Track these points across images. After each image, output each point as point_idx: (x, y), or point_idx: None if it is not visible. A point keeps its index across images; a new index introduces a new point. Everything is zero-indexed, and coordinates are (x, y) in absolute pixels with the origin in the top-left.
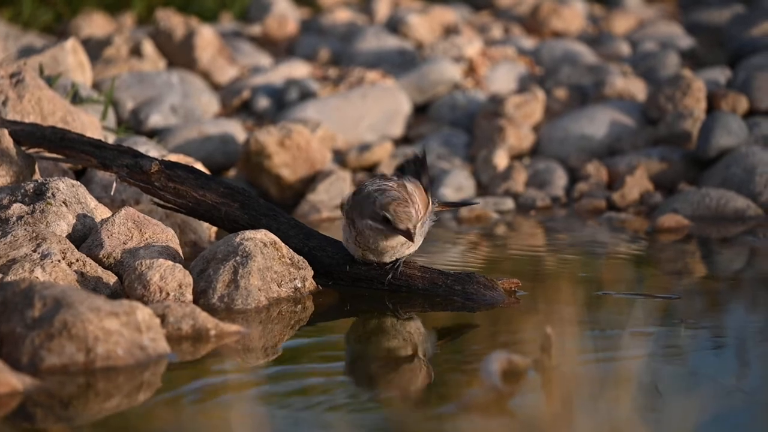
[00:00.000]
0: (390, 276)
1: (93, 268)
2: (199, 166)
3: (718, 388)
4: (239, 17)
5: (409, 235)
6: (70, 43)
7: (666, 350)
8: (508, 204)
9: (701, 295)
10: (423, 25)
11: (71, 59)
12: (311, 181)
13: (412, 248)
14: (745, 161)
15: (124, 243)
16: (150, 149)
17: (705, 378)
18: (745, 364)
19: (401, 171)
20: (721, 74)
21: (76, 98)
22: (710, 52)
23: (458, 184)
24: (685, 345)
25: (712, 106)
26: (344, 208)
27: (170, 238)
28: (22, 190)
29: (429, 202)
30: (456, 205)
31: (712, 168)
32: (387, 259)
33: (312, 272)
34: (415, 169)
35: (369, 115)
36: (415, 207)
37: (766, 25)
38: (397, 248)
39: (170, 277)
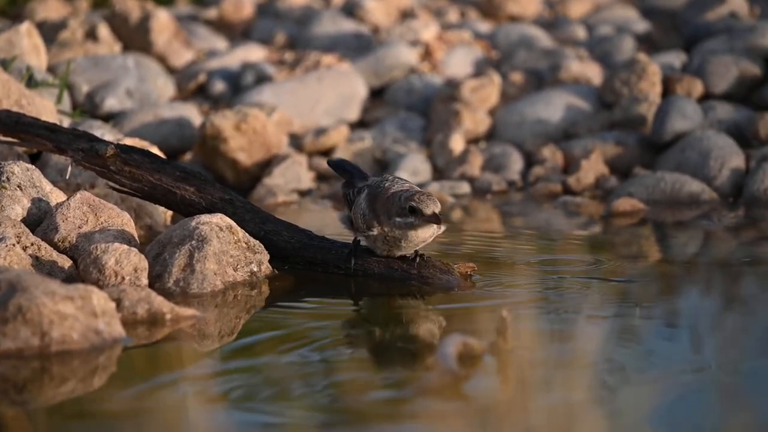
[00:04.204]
0: (416, 264)
1: (48, 252)
2: (155, 150)
3: (672, 370)
4: (195, 1)
5: (437, 219)
6: (25, 27)
7: (621, 333)
8: (464, 188)
9: (656, 278)
10: (379, 9)
11: (26, 43)
12: (267, 165)
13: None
14: (700, 145)
15: (79, 227)
16: (105, 133)
17: (659, 360)
18: (699, 347)
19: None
20: (676, 58)
21: (31, 82)
22: (665, 37)
23: (414, 168)
24: (640, 328)
25: (667, 90)
26: (358, 210)
27: (126, 222)
28: None
29: None
30: None
31: (667, 152)
32: (411, 251)
33: (268, 256)
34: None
35: (325, 99)
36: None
37: (721, 10)
38: (427, 240)
39: (126, 262)
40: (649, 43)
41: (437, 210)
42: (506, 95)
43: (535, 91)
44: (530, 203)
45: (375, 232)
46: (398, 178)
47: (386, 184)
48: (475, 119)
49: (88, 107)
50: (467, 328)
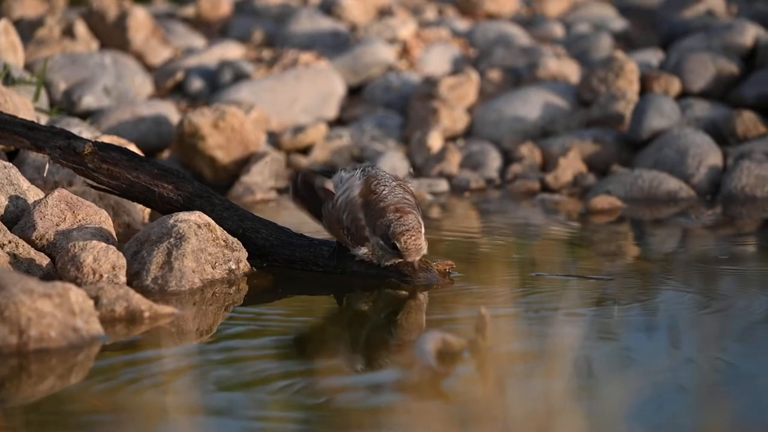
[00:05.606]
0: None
1: (26, 250)
2: (133, 148)
3: (650, 368)
4: None
5: (412, 268)
6: (2, 24)
7: (599, 331)
8: (443, 185)
9: (634, 276)
10: (357, 7)
11: (3, 40)
12: (245, 162)
13: None
14: (678, 143)
15: (57, 225)
16: (83, 131)
17: (637, 358)
18: (676, 345)
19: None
20: (653, 56)
21: (8, 79)
22: (643, 34)
23: (392, 165)
24: (618, 326)
25: (644, 88)
26: (342, 212)
27: (103, 219)
28: None
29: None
30: None
31: (644, 150)
32: None
33: (246, 254)
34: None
35: (303, 96)
36: (419, 216)
37: (698, 7)
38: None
39: (104, 259)
40: (626, 41)
41: (417, 258)
42: (484, 93)
43: (512, 88)
44: (508, 201)
45: (364, 251)
46: (384, 172)
47: (383, 191)
48: (453, 117)
49: (65, 105)
50: (446, 325)
